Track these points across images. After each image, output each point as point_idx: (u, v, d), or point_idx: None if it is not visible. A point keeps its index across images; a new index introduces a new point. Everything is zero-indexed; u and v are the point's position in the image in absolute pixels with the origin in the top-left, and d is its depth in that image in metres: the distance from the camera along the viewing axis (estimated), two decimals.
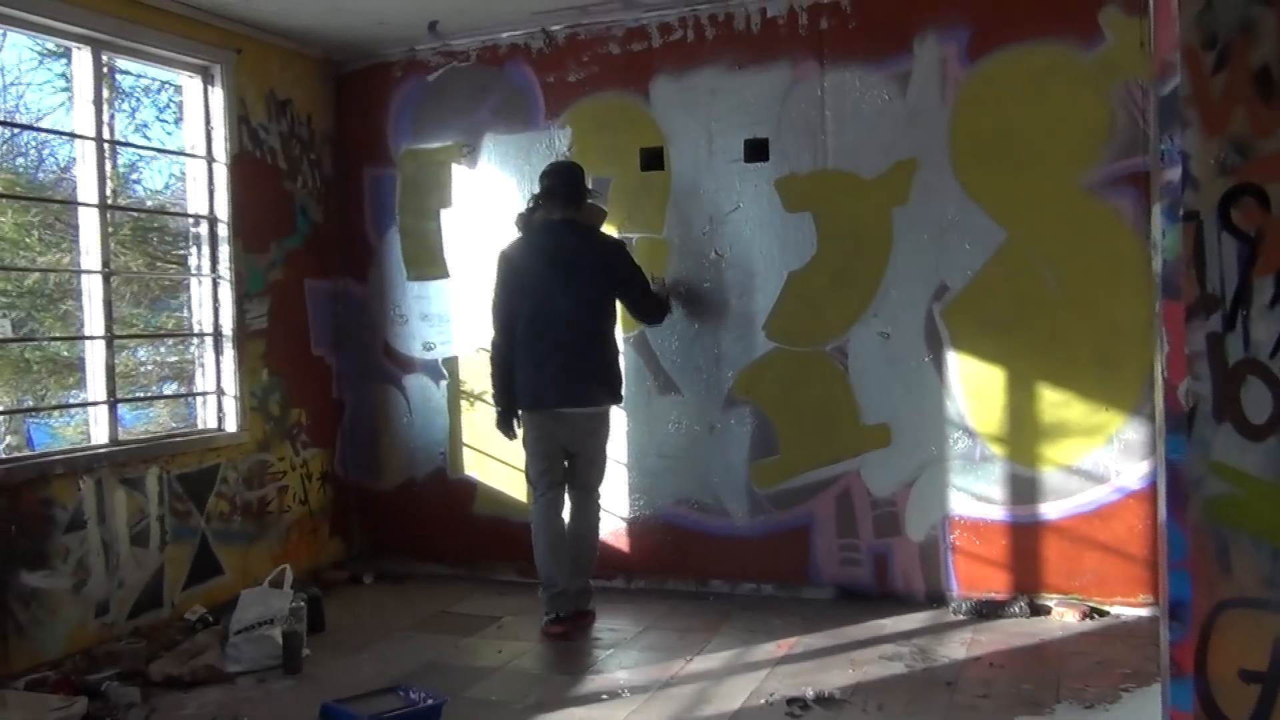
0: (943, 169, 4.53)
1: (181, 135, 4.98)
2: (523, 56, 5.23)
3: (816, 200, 4.74)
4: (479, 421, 5.33)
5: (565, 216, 4.43)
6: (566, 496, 4.53)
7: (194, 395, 4.99)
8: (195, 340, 4.97)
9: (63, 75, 4.76)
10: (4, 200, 4.59)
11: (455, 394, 5.43)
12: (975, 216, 4.49)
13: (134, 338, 5.05)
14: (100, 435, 4.35)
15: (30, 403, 5.21)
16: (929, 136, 4.54)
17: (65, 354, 5.14)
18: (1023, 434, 4.47)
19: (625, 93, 5.04)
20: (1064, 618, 4.34)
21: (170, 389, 5.69)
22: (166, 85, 5.12)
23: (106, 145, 4.43)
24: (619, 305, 4.56)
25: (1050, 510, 4.44)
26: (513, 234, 4.61)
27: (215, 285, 4.91)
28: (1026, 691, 3.57)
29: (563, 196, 4.44)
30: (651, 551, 5.07)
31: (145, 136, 5.16)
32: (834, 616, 4.49)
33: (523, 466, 4.71)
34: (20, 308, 4.93)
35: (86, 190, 4.34)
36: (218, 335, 4.92)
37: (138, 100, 5.44)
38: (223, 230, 4.91)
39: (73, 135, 4.40)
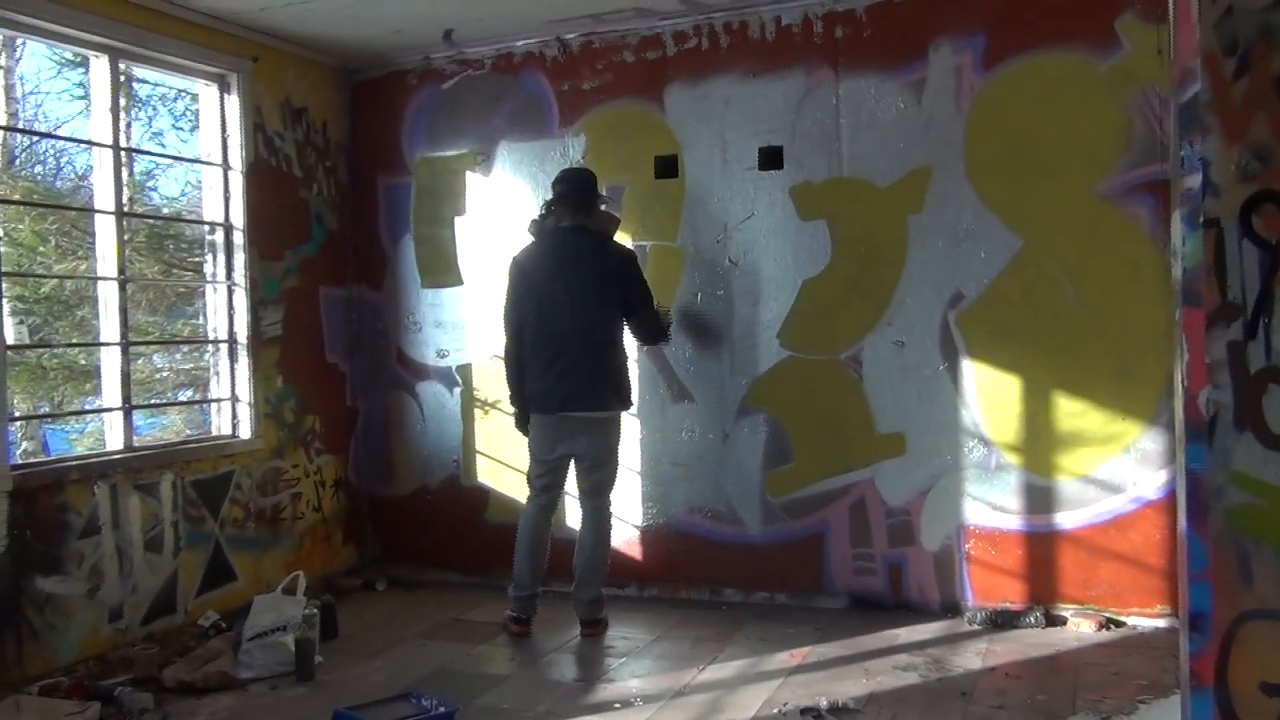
0: (958, 177, 4.51)
1: (197, 143, 5.02)
2: (537, 65, 5.24)
3: (831, 208, 4.73)
4: (492, 429, 5.34)
5: (576, 223, 4.44)
6: (576, 506, 4.54)
7: (209, 402, 5.01)
8: (210, 347, 4.99)
9: (80, 84, 4.80)
10: (22, 207, 4.62)
11: (469, 401, 5.44)
12: (990, 224, 4.48)
13: (149, 344, 5.08)
14: (115, 441, 4.37)
15: (46, 409, 5.25)
16: (944, 144, 4.53)
17: (81, 361, 5.17)
18: (1038, 443, 4.45)
19: (640, 101, 5.04)
20: (1080, 628, 4.31)
21: (185, 396, 5.73)
22: (183, 93, 5.17)
23: (123, 153, 4.45)
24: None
25: (1066, 520, 4.41)
26: (526, 241, 4.63)
27: (230, 292, 4.93)
28: (1042, 702, 3.54)
29: (574, 203, 4.45)
30: (664, 560, 5.06)
31: (162, 144, 5.22)
32: (848, 626, 4.47)
33: None
34: (37, 314, 4.98)
35: (103, 198, 4.37)
36: (232, 342, 4.94)
37: (154, 108, 5.49)
38: (238, 238, 4.93)
39: (90, 143, 4.43)
